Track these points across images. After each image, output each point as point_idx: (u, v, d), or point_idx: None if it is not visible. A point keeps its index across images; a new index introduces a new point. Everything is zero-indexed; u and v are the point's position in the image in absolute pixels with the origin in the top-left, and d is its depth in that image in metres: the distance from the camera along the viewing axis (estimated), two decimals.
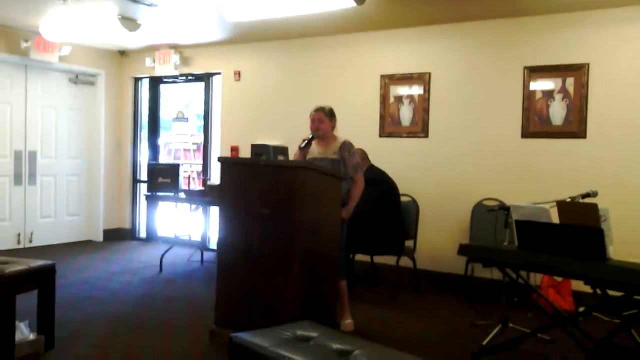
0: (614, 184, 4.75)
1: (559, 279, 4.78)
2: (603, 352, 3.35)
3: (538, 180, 5.14)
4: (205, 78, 7.38)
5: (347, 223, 4.12)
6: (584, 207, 3.31)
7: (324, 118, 4.17)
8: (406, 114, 5.87)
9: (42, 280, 3.52)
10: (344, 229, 4.08)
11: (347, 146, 4.15)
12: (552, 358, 3.61)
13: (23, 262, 3.48)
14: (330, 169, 4.00)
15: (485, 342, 3.82)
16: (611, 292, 3.27)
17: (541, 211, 3.43)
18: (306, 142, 4.16)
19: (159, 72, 7.50)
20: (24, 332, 3.46)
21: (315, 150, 4.22)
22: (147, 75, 7.84)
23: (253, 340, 2.44)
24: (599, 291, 3.37)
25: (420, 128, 5.77)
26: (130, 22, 5.87)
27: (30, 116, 7.06)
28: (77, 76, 7.54)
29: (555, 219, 3.39)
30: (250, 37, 6.60)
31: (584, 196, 3.68)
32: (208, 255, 6.67)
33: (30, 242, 7.11)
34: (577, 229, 3.16)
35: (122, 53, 7.92)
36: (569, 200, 3.56)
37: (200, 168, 7.55)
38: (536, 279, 4.93)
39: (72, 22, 5.51)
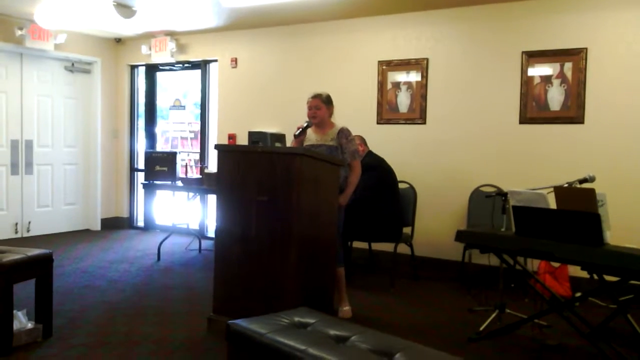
0: (611, 169, 4.75)
1: (556, 265, 4.80)
2: (599, 337, 3.37)
3: (536, 165, 5.13)
4: (202, 65, 7.33)
5: (344, 209, 4.13)
6: (581, 192, 3.31)
7: (321, 104, 4.14)
8: (403, 100, 5.85)
9: (39, 269, 3.51)
10: (341, 215, 4.08)
11: (344, 133, 4.14)
12: (548, 343, 3.62)
13: (20, 251, 3.48)
14: (327, 155, 3.98)
15: (482, 328, 3.83)
16: (607, 277, 3.28)
17: (538, 196, 3.43)
18: (300, 129, 4.14)
19: (155, 59, 7.45)
20: (22, 320, 3.46)
21: (312, 137, 4.21)
22: (143, 63, 7.80)
23: (250, 326, 2.44)
24: (595, 276, 3.38)
25: (418, 114, 5.76)
26: (125, 9, 5.83)
27: (26, 105, 7.03)
28: (72, 64, 7.50)
29: (552, 204, 3.39)
30: (247, 23, 6.55)
31: (581, 181, 3.67)
32: (206, 244, 6.67)
33: (28, 231, 7.10)
34: (574, 214, 3.16)
35: (118, 40, 7.87)
36: (566, 185, 3.56)
37: (197, 156, 7.53)
38: (533, 264, 4.94)
39: (66, 9, 5.47)
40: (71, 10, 5.55)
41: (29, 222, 7.12)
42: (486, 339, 3.71)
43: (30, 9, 5.88)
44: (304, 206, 3.47)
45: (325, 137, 4.15)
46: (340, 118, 4.37)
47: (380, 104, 5.96)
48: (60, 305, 4.16)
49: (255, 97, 6.82)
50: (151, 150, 7.67)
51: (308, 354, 2.15)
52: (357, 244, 5.67)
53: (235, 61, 6.96)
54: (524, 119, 5.24)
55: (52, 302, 3.61)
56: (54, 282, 3.67)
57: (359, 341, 2.30)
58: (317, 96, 4.17)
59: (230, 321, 2.55)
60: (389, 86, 5.92)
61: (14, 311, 3.37)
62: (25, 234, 7.07)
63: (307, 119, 4.17)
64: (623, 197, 4.60)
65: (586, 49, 4.95)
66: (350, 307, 4.22)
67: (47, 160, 7.30)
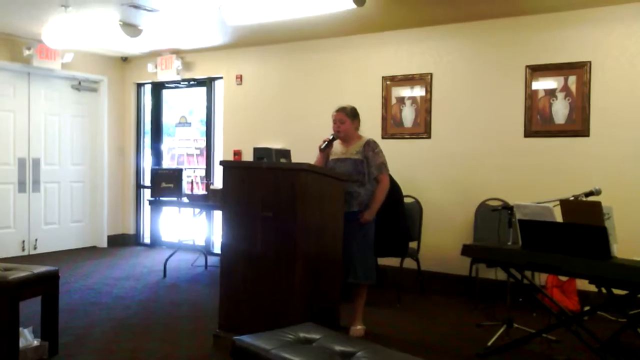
0: (617, 182, 4.72)
1: (564, 279, 4.75)
2: (609, 352, 3.33)
3: (541, 179, 5.11)
4: (207, 82, 7.39)
5: (374, 224, 4.07)
6: (588, 206, 3.29)
7: (345, 118, 4.09)
8: (408, 115, 5.86)
9: (46, 286, 3.52)
10: (370, 230, 4.04)
11: (371, 145, 4.08)
12: (557, 358, 3.58)
13: (26, 268, 3.48)
14: (331, 171, 3.99)
15: (490, 343, 3.80)
16: (616, 291, 3.25)
17: (544, 210, 3.41)
18: (326, 143, 4.12)
19: (161, 77, 7.51)
20: (28, 338, 3.46)
21: (338, 150, 4.17)
22: (150, 81, 7.86)
23: (255, 342, 2.43)
24: (603, 290, 3.35)
25: (423, 129, 5.76)
26: (131, 28, 5.89)
27: (33, 123, 7.09)
28: (79, 82, 7.57)
29: (558, 217, 3.38)
30: (251, 40, 6.61)
31: (587, 194, 3.66)
32: (212, 260, 6.66)
33: (35, 248, 7.12)
34: (581, 228, 3.15)
35: (124, 59, 7.94)
36: (572, 198, 3.55)
37: (203, 172, 7.56)
38: (541, 278, 4.91)
39: (73, 29, 5.53)
40: (78, 29, 5.61)
41: (36, 240, 7.14)
42: (494, 354, 3.68)
43: (37, 29, 5.95)
44: (309, 222, 3.48)
45: (351, 150, 4.10)
46: None
47: (384, 119, 5.98)
48: (67, 323, 4.15)
49: (260, 114, 6.85)
50: (157, 167, 7.70)
51: None
52: None
53: (240, 78, 7.00)
54: (529, 133, 5.23)
55: (58, 319, 3.62)
56: (61, 299, 3.67)
57: (364, 357, 2.28)
58: (341, 110, 4.13)
59: (235, 337, 2.54)
60: (394, 101, 5.93)
61: (20, 328, 3.37)
62: (32, 252, 7.09)
63: (332, 132, 4.16)
64: (629, 210, 4.57)
65: (590, 62, 4.95)
66: (363, 327, 4.13)
67: (54, 178, 7.35)
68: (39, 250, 7.15)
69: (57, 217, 7.40)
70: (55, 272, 3.58)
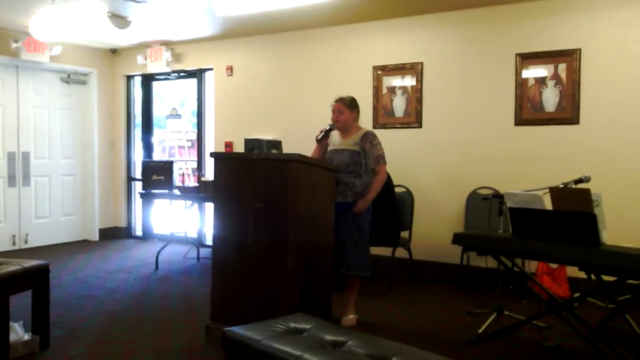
0: (606, 169, 4.75)
1: (554, 266, 4.79)
2: (598, 337, 3.36)
3: (532, 166, 5.13)
4: (198, 74, 7.35)
5: (370, 216, 4.07)
6: (577, 193, 3.31)
7: (344, 109, 4.09)
8: (399, 105, 5.86)
9: (36, 280, 3.51)
10: (366, 220, 4.04)
11: (369, 137, 4.07)
12: (547, 344, 3.61)
13: (16, 262, 3.47)
14: (322, 161, 3.98)
15: (480, 330, 3.83)
16: (605, 277, 3.27)
17: (534, 198, 3.43)
18: (323, 133, 4.11)
19: (150, 69, 7.47)
20: (18, 332, 3.45)
21: (336, 141, 4.16)
22: (139, 73, 7.81)
23: (246, 333, 2.44)
24: (593, 276, 3.38)
25: (414, 118, 5.76)
26: (119, 20, 5.84)
27: (22, 117, 7.03)
28: (68, 75, 7.51)
29: (548, 205, 3.39)
30: (241, 31, 6.57)
31: (577, 182, 3.68)
32: (204, 252, 6.66)
33: (26, 242, 7.09)
34: (570, 215, 3.16)
35: (114, 51, 7.88)
36: (561, 186, 3.56)
37: (195, 164, 7.54)
38: (531, 266, 4.94)
39: (61, 21, 5.48)
40: (66, 22, 5.56)
41: (27, 234, 7.11)
42: (485, 341, 3.70)
43: (25, 21, 5.90)
44: (300, 212, 3.47)
45: (349, 141, 4.08)
46: None
47: (376, 109, 5.97)
48: (58, 316, 4.15)
49: (251, 105, 6.83)
50: (148, 159, 7.67)
51: (303, 359, 2.14)
52: None
53: (230, 69, 6.97)
54: (520, 121, 5.25)
55: (50, 313, 3.60)
56: (52, 293, 3.67)
57: (355, 346, 2.29)
58: (340, 100, 4.12)
59: (226, 328, 2.55)
60: (385, 91, 5.93)
61: (11, 323, 3.36)
62: (23, 246, 7.06)
63: (330, 123, 4.14)
64: (618, 197, 4.59)
65: (580, 49, 4.96)
66: (356, 316, 4.15)
67: (45, 172, 7.30)
68: (30, 245, 7.12)
69: (47, 211, 7.36)
70: (45, 266, 3.57)
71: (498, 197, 4.02)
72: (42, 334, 3.53)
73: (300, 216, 3.48)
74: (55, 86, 7.41)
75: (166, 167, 6.19)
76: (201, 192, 5.84)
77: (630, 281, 3.12)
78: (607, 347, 3.28)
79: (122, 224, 8.05)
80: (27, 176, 7.10)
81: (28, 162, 7.10)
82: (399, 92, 5.85)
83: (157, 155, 8.04)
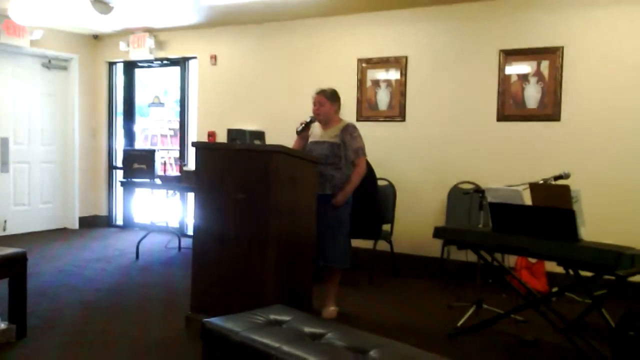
0: (586, 166, 4.81)
1: (533, 261, 4.84)
2: (575, 331, 3.41)
3: (513, 162, 5.17)
4: (181, 62, 7.28)
5: (350, 208, 4.07)
6: (556, 189, 3.34)
7: (324, 101, 4.07)
8: (383, 98, 5.86)
9: (13, 268, 3.45)
10: (345, 212, 4.03)
11: (349, 129, 4.06)
12: (525, 338, 3.65)
13: None
14: (304, 153, 3.97)
15: (460, 323, 3.86)
16: (583, 273, 3.31)
17: (514, 193, 3.46)
18: (303, 125, 4.09)
19: (133, 56, 7.38)
20: None
21: (317, 133, 4.15)
22: (122, 60, 7.71)
23: (225, 325, 2.43)
24: (571, 272, 3.42)
25: (397, 112, 5.77)
26: (102, 5, 5.74)
27: (1, 102, 6.90)
28: (49, 60, 7.39)
29: (528, 200, 3.42)
30: (226, 20, 6.51)
31: (556, 178, 3.71)
32: (185, 242, 6.61)
33: (4, 230, 6.99)
34: (550, 211, 3.20)
35: (96, 37, 7.77)
36: (541, 182, 3.59)
37: (177, 153, 7.48)
38: (510, 260, 4.99)
39: (41, 5, 5.38)
40: (46, 5, 5.46)
41: (5, 221, 7.00)
42: (464, 334, 3.74)
43: (3, 4, 5.77)
44: (281, 204, 3.46)
45: (329, 133, 4.07)
46: None
47: (359, 102, 5.96)
48: (35, 305, 4.09)
49: (235, 95, 6.78)
50: (129, 148, 7.59)
51: (282, 351, 2.14)
52: None
53: (214, 58, 6.91)
54: (502, 117, 5.28)
55: (27, 301, 3.55)
56: (29, 282, 3.61)
57: (334, 338, 2.30)
58: (321, 92, 4.10)
59: (205, 319, 2.54)
60: (369, 84, 5.92)
61: None
62: (2, 233, 6.95)
63: (310, 115, 4.13)
64: (597, 194, 4.66)
65: (562, 47, 5.00)
66: (336, 308, 4.15)
67: (24, 158, 7.19)
68: (9, 232, 7.01)
69: (27, 198, 7.26)
70: (22, 254, 3.52)
71: (479, 192, 4.04)
72: (18, 323, 3.48)
73: (282, 208, 3.47)
74: (36, 71, 7.28)
75: (148, 156, 6.14)
76: (183, 181, 5.80)
77: (607, 276, 3.16)
78: (583, 341, 3.33)
79: (103, 212, 7.97)
80: (6, 162, 6.98)
81: (7, 148, 6.98)
82: (383, 85, 5.85)
83: (139, 144, 7.96)
